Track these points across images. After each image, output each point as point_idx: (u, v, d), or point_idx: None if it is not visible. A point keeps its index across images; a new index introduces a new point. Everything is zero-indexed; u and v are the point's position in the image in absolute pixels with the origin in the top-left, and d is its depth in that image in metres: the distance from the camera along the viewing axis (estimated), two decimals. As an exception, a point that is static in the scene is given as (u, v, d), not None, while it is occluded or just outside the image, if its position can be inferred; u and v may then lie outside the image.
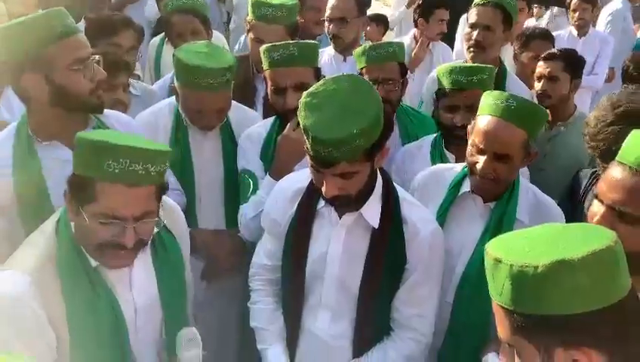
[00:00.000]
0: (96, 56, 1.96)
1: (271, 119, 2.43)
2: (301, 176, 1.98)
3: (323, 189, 1.73)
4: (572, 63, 3.08)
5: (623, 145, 1.54)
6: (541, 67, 3.09)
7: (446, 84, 2.40)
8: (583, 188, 2.52)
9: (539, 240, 1.10)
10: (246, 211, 2.28)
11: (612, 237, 1.06)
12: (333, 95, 1.69)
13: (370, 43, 2.80)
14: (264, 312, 2.04)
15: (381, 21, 5.66)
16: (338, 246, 1.88)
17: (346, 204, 1.80)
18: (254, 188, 2.30)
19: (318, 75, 2.33)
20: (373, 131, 1.66)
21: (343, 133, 1.60)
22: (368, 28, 5.16)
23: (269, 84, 2.32)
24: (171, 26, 3.20)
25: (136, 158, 1.49)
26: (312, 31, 3.85)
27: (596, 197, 1.55)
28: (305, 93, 1.72)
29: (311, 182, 1.87)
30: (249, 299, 2.10)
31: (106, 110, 2.16)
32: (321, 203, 1.88)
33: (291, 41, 2.34)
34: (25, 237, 1.76)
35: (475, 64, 2.67)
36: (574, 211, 2.46)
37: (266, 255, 2.04)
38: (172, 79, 2.55)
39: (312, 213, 1.90)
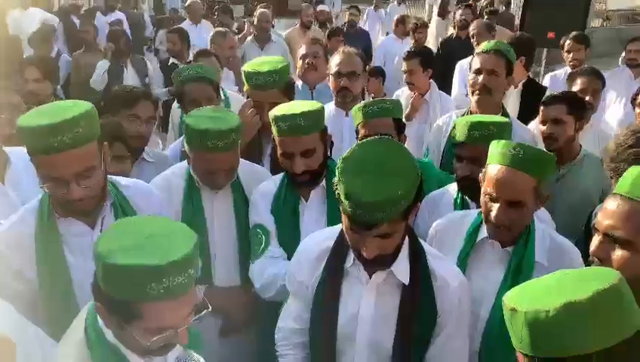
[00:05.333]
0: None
1: (280, 175, 2.52)
2: (325, 235, 1.98)
3: (363, 251, 1.72)
4: (574, 105, 3.09)
5: (620, 180, 1.59)
6: (544, 111, 3.11)
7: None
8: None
9: (550, 286, 1.17)
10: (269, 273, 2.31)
11: (616, 276, 1.11)
12: (368, 158, 1.70)
13: (372, 97, 2.88)
14: None
15: (379, 74, 6.01)
16: (370, 306, 1.85)
17: (382, 263, 1.79)
18: (266, 243, 2.35)
19: (324, 135, 2.42)
20: (414, 190, 1.68)
21: (388, 195, 1.61)
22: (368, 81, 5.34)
23: (278, 149, 2.40)
24: (185, 95, 3.32)
25: (177, 271, 1.38)
26: None
27: (594, 228, 1.60)
28: (340, 159, 1.74)
29: (337, 242, 1.89)
30: (263, 352, 2.10)
31: (123, 179, 2.24)
32: (349, 262, 1.87)
33: (298, 112, 2.32)
34: (41, 310, 1.88)
35: (479, 119, 2.58)
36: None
37: (293, 318, 2.03)
38: (182, 144, 2.67)
39: (340, 273, 1.88)
